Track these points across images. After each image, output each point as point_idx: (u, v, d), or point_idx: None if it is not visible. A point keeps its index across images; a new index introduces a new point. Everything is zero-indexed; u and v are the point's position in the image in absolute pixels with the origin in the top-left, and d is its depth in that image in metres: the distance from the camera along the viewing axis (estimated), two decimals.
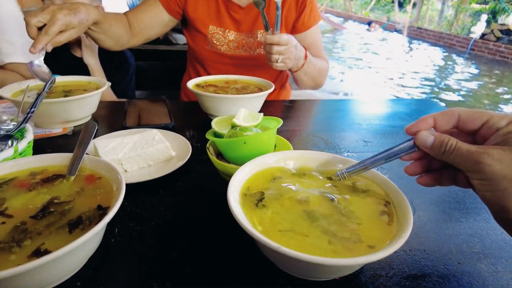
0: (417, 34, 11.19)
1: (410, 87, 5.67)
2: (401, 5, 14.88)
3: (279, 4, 1.06)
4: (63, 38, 0.86)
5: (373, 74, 6.36)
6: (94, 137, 0.76)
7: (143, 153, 0.68)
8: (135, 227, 0.53)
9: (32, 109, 0.70)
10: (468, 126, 0.44)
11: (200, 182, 0.68)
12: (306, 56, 1.15)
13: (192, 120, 1.00)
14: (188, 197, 0.62)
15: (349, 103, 1.36)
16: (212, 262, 0.48)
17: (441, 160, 0.43)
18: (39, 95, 0.73)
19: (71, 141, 0.83)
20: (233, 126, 0.63)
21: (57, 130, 0.86)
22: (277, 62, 1.04)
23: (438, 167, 0.48)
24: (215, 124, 0.65)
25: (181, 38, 2.52)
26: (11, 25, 1.26)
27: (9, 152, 0.55)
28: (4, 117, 0.65)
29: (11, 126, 0.64)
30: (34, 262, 0.34)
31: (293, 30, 1.31)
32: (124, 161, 0.65)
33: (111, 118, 0.99)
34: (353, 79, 6.00)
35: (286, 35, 1.02)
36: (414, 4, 12.16)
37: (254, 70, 1.22)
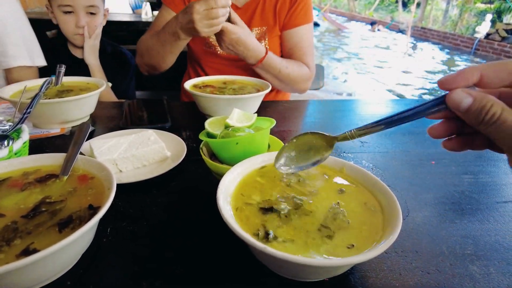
0: (421, 34, 11.13)
1: (414, 87, 5.65)
2: (405, 5, 14.82)
3: None
4: None
5: (376, 74, 6.34)
6: (91, 138, 0.76)
7: (138, 153, 0.68)
8: (128, 227, 0.54)
9: (29, 110, 0.70)
10: None
11: (194, 182, 0.68)
12: (260, 61, 1.11)
13: (189, 121, 1.00)
14: (182, 197, 0.63)
15: (347, 103, 1.36)
16: (204, 262, 0.48)
17: (478, 130, 0.34)
18: (36, 96, 0.74)
19: (68, 142, 0.82)
20: (226, 127, 0.63)
21: (55, 130, 0.87)
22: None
23: (471, 130, 0.38)
24: (208, 125, 0.65)
25: None
26: (16, 28, 1.27)
27: (3, 152, 0.56)
28: (0, 118, 0.66)
29: (7, 127, 0.64)
30: (22, 261, 0.34)
31: (283, 27, 1.30)
32: (119, 161, 0.66)
33: (109, 119, 0.99)
34: (356, 79, 5.98)
35: (225, 29, 0.99)
36: (418, 4, 12.09)
37: (252, 71, 1.22)
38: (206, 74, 1.34)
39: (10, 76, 1.31)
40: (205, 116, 0.99)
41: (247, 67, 1.28)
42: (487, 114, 0.32)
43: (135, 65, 1.65)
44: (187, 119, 1.02)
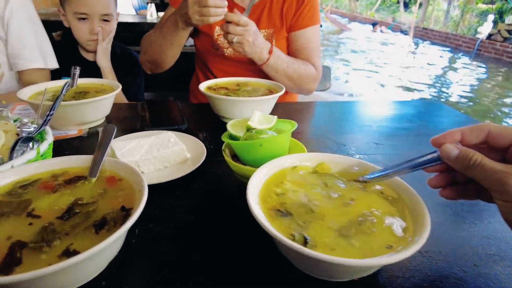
0: (422, 34, 11.14)
1: (416, 88, 5.65)
2: (406, 6, 14.83)
3: None
4: None
5: (378, 75, 6.35)
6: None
7: (160, 155, 0.69)
8: (155, 228, 0.55)
9: (51, 112, 0.71)
10: (498, 143, 0.43)
11: (216, 184, 0.69)
12: (270, 52, 1.12)
13: (204, 122, 1.01)
14: (205, 199, 0.64)
15: (357, 104, 1.37)
16: (231, 263, 0.49)
17: (465, 174, 0.43)
18: (57, 98, 0.75)
19: (86, 143, 0.84)
20: (248, 129, 0.64)
21: (73, 132, 0.88)
22: (232, 42, 1.03)
23: (463, 180, 0.48)
24: (230, 127, 0.66)
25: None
26: (31, 31, 1.29)
27: (32, 153, 0.57)
28: (25, 120, 0.67)
29: (32, 129, 0.65)
30: (68, 261, 0.35)
31: (290, 28, 1.30)
32: (141, 162, 0.67)
33: (124, 120, 1.00)
34: (358, 80, 5.99)
35: (247, 19, 1.02)
36: (420, 5, 12.09)
37: (260, 73, 1.23)
38: (214, 76, 1.35)
39: (23, 78, 1.32)
40: (219, 118, 1.00)
41: (254, 69, 1.28)
42: (470, 161, 0.41)
43: None
44: (201, 121, 1.02)
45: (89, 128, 0.91)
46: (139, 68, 1.60)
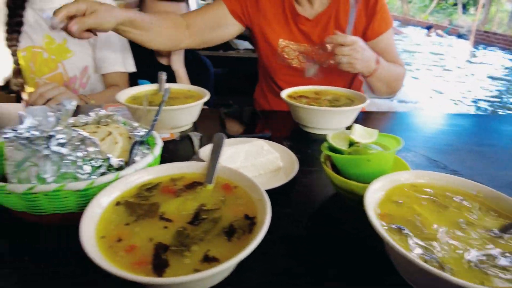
0: (483, 38, 10.40)
1: (476, 97, 5.30)
2: (464, 7, 13.95)
3: (353, 2, 1.06)
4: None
5: (433, 81, 6.03)
6: (202, 145, 0.80)
7: (257, 163, 0.71)
8: (266, 235, 0.56)
9: (156, 117, 0.76)
10: None
11: (310, 194, 0.70)
12: (377, 62, 1.10)
13: (284, 130, 1.02)
14: (305, 209, 0.64)
15: (433, 116, 1.31)
16: (345, 277, 0.49)
17: None
18: (160, 103, 0.79)
19: (180, 147, 0.88)
20: (352, 143, 0.64)
21: (165, 135, 0.93)
22: (342, 63, 1.01)
23: None
24: (331, 139, 0.66)
25: (241, 44, 2.49)
26: (116, 36, 1.39)
27: (150, 157, 0.61)
28: (135, 124, 0.72)
29: (143, 133, 0.70)
30: (219, 267, 0.37)
31: (364, 37, 1.26)
32: (241, 169, 0.68)
33: (210, 127, 1.03)
34: (410, 86, 5.74)
35: (353, 37, 1.00)
36: (483, 5, 11.29)
37: (327, 82, 1.20)
38: (278, 87, 1.34)
39: (106, 80, 1.43)
40: (298, 126, 1.01)
41: (320, 79, 1.26)
42: None
43: (213, 72, 1.73)
44: (280, 129, 1.03)
45: (180, 132, 0.96)
46: (210, 73, 1.66)
